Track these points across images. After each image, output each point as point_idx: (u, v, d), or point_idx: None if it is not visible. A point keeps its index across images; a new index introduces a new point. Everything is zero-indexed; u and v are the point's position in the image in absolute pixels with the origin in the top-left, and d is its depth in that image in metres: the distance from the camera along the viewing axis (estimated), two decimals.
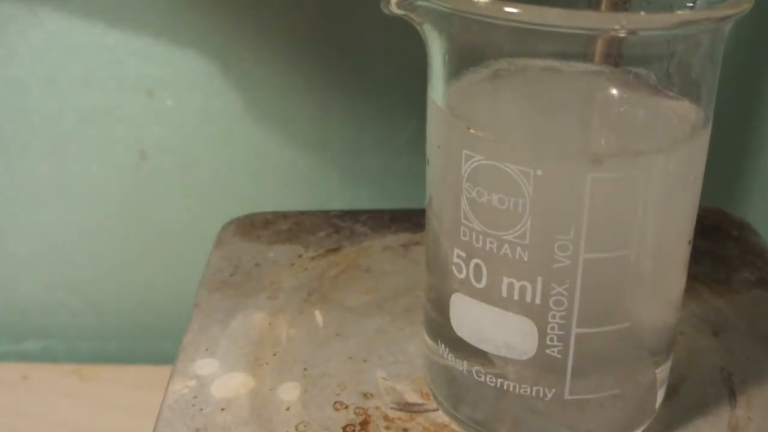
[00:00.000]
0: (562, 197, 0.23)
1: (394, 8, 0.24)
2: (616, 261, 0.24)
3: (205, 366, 0.31)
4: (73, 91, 0.44)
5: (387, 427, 0.28)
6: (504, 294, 0.24)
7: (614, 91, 0.24)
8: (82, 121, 0.44)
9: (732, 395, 0.30)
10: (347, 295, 0.35)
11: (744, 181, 0.47)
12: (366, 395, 0.30)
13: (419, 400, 0.29)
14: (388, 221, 0.41)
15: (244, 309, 0.34)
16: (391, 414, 0.29)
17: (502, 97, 0.25)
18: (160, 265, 0.48)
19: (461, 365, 0.26)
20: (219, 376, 0.30)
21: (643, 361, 0.26)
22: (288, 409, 0.29)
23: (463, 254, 0.25)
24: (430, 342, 0.28)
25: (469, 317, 0.26)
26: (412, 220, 0.41)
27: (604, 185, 0.23)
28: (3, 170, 0.46)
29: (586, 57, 0.24)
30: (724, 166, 0.46)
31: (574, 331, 0.24)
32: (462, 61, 0.25)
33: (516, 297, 0.24)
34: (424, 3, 0.23)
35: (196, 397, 0.29)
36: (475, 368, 0.26)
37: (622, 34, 0.21)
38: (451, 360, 0.27)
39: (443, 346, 0.27)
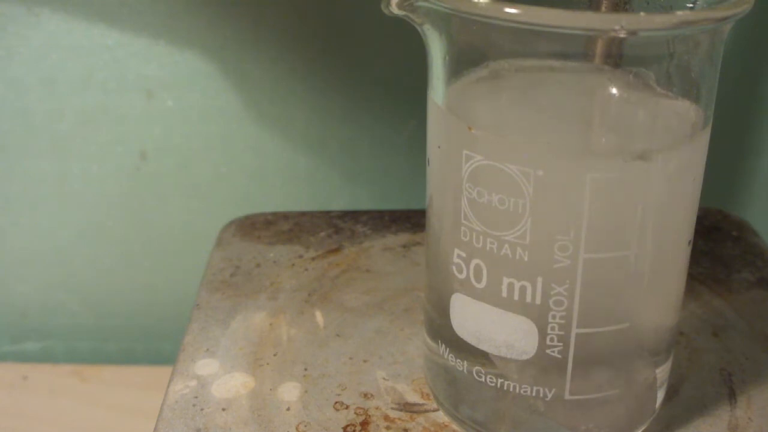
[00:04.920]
0: (562, 197, 0.23)
1: (394, 9, 0.24)
2: (616, 261, 0.24)
3: (206, 366, 0.31)
4: (73, 91, 0.44)
5: (387, 428, 0.28)
6: (504, 294, 0.24)
7: (614, 91, 0.24)
8: (82, 121, 0.44)
9: (732, 395, 0.30)
10: (347, 295, 0.35)
11: (744, 181, 0.47)
12: (366, 395, 0.30)
13: (419, 401, 0.29)
14: (389, 222, 0.41)
15: (245, 309, 0.34)
16: (392, 414, 0.29)
17: (502, 97, 0.25)
18: (160, 266, 0.48)
19: (461, 365, 0.26)
20: (219, 377, 0.30)
21: (643, 361, 0.26)
22: (288, 409, 0.29)
23: (464, 254, 0.25)
24: (430, 342, 0.28)
25: (470, 317, 0.26)
26: (412, 220, 0.41)
27: (604, 185, 0.23)
28: (3, 170, 0.46)
29: (586, 57, 0.24)
30: (724, 166, 0.46)
31: (574, 331, 0.24)
32: (462, 62, 0.25)
33: (516, 297, 0.24)
34: (425, 3, 0.23)
35: (196, 397, 0.29)
36: (475, 368, 0.26)
37: (622, 35, 0.21)
38: (451, 360, 0.27)
39: (443, 346, 0.27)
